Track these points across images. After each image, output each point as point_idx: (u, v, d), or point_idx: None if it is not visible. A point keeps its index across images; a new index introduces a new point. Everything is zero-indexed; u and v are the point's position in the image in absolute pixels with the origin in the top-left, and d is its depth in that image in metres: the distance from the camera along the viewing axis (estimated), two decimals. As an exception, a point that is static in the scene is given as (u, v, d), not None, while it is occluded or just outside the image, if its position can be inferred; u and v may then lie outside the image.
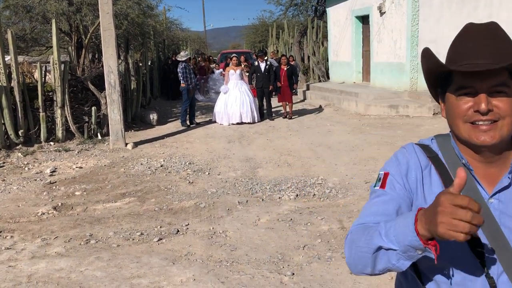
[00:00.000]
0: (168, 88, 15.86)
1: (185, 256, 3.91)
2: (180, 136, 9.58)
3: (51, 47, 12.22)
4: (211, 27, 62.49)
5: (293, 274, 3.48)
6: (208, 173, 6.63)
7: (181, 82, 10.48)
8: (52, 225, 4.91)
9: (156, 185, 6.18)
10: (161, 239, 4.35)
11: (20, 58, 15.08)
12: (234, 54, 11.99)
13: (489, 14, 11.05)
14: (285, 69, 11.08)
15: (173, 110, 13.40)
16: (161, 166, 7.11)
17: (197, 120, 11.29)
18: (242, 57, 15.25)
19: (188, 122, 10.75)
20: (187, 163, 7.19)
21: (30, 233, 4.71)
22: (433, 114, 10.12)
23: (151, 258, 3.88)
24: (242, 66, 11.93)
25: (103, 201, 5.67)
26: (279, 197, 5.45)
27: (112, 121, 8.39)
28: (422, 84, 11.10)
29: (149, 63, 15.50)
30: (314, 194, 5.51)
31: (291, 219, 4.67)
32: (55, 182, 6.60)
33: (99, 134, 9.27)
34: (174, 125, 10.86)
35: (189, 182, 6.24)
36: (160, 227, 4.68)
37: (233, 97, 10.74)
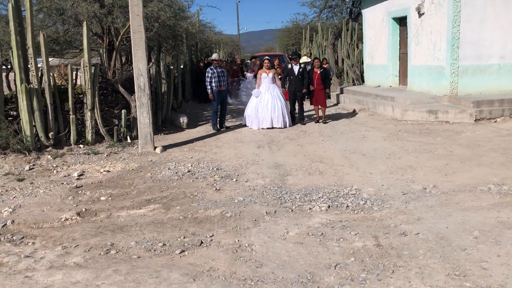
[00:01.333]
0: (200, 91, 15.74)
1: (207, 272, 3.66)
2: (209, 140, 9.39)
3: (84, 49, 12.32)
4: (245, 30, 62.44)
5: (323, 297, 3.18)
6: (236, 180, 6.38)
7: (208, 89, 10.21)
8: (74, 232, 4.77)
9: (182, 191, 5.97)
10: (184, 251, 4.12)
11: (56, 61, 15.35)
12: (266, 57, 11.70)
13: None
14: (319, 72, 10.74)
15: (203, 113, 13.25)
16: (189, 171, 6.91)
17: (228, 124, 11.08)
18: (276, 60, 14.98)
19: (218, 126, 10.56)
20: (214, 169, 6.97)
21: (52, 240, 4.58)
22: (475, 120, 9.56)
23: (171, 273, 3.65)
24: (275, 69, 11.62)
25: (127, 208, 5.51)
26: (310, 208, 5.14)
27: (141, 124, 8.27)
28: (462, 88, 10.55)
29: (181, 66, 15.45)
30: (348, 206, 5.17)
31: (322, 234, 4.35)
32: (82, 186, 6.51)
33: (128, 137, 9.18)
34: (204, 129, 10.69)
35: (216, 189, 6.01)
36: (184, 237, 4.46)
37: (265, 101, 10.47)
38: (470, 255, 3.74)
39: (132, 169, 7.28)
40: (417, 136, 8.73)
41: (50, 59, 14.78)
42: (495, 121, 9.53)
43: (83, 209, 5.48)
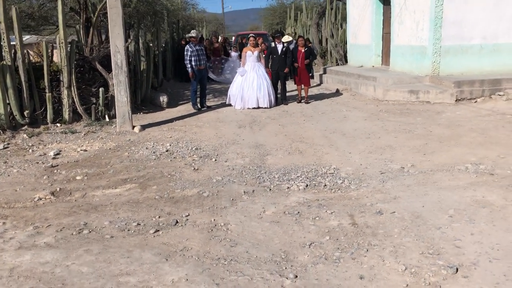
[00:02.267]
0: (182, 70, 15.50)
1: (180, 252, 3.60)
2: (189, 119, 9.27)
3: (62, 26, 11.96)
4: (230, 9, 61.57)
5: (296, 277, 3.15)
6: (215, 160, 6.31)
7: (188, 68, 9.99)
8: (47, 212, 4.66)
9: (160, 171, 5.88)
10: (158, 230, 4.05)
11: (34, 38, 14.92)
12: (251, 34, 11.47)
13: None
14: (303, 50, 10.61)
15: (185, 92, 13.06)
16: (167, 151, 6.81)
17: (209, 103, 10.94)
18: (260, 39, 14.77)
19: (199, 105, 10.41)
20: (193, 149, 6.88)
21: (23, 220, 4.47)
22: (456, 100, 9.58)
23: (144, 252, 3.59)
24: (260, 47, 11.43)
25: (103, 187, 5.41)
26: (288, 187, 5.10)
27: (119, 103, 8.10)
28: (444, 68, 10.55)
29: (162, 44, 15.17)
30: (325, 185, 5.14)
31: (298, 212, 4.32)
32: (57, 165, 6.37)
33: (106, 116, 9.01)
34: (185, 108, 10.54)
35: (194, 168, 5.93)
36: (159, 217, 4.39)
37: (250, 80, 10.30)
38: (444, 233, 3.74)
39: (110, 149, 7.14)
40: (398, 116, 8.74)
41: (27, 36, 14.40)
42: (476, 101, 9.57)
43: (58, 189, 5.37)
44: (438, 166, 5.70)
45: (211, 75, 14.90)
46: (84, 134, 8.10)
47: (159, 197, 4.97)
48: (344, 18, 18.14)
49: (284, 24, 29.69)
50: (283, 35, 11.55)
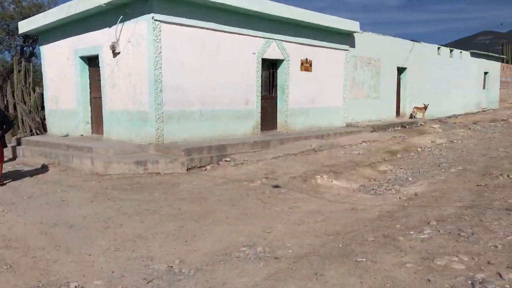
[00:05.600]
0: None
1: None
2: None
3: None
4: None
5: None
6: None
7: None
8: None
9: None
10: None
11: None
12: None
13: (228, 62, 10.74)
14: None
15: None
16: None
17: None
18: None
19: None
20: None
21: None
22: (187, 169, 8.77)
23: None
24: None
25: None
26: None
27: None
28: (168, 135, 9.71)
29: None
30: (71, 324, 3.14)
31: None
32: None
33: None
34: None
35: None
36: None
37: None
38: None
39: None
40: (130, 193, 7.21)
41: None
42: (205, 169, 8.99)
43: None
44: (210, 256, 4.47)
45: None
46: None
47: None
48: (37, 82, 15.65)
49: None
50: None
